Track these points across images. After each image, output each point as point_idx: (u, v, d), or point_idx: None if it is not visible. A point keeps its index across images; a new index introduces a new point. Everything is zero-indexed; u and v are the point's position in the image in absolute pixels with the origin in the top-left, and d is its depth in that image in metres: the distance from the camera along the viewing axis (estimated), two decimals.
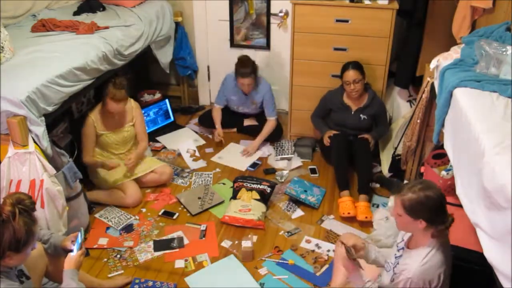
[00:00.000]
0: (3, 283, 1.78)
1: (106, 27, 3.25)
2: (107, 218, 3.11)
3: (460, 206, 1.99)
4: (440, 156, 2.78)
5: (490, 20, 2.79)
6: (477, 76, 2.21)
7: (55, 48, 2.83)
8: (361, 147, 3.41)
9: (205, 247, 2.89)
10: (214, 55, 4.38)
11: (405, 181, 3.30)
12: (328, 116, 3.65)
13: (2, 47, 2.57)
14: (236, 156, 3.82)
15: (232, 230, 3.03)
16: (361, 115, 3.49)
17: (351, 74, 3.35)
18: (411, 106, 3.71)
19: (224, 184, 3.49)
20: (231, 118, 4.06)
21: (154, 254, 2.84)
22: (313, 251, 2.86)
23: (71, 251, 2.07)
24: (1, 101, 2.33)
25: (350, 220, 3.10)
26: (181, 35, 4.19)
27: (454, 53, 2.59)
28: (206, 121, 4.12)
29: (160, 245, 2.90)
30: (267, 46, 4.21)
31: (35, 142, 2.45)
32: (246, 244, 2.80)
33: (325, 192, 3.39)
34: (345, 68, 3.41)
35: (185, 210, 3.21)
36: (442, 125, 2.37)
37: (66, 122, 3.22)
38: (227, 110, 4.06)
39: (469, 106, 2.02)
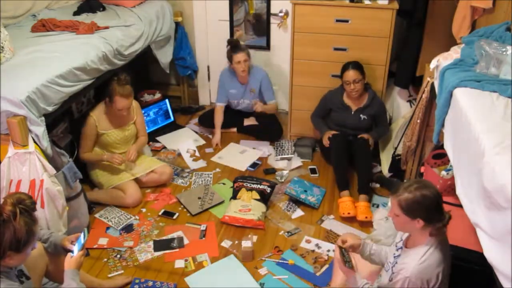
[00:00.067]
0: (3, 283, 1.78)
1: (106, 27, 3.25)
2: (107, 218, 3.11)
3: (460, 206, 1.99)
4: (440, 156, 2.78)
5: (490, 20, 2.79)
6: (477, 76, 2.21)
7: (55, 48, 2.83)
8: (361, 147, 3.41)
9: (205, 247, 2.89)
10: (214, 55, 4.38)
11: (405, 181, 3.30)
12: (328, 116, 3.65)
13: (2, 47, 2.57)
14: (236, 156, 3.82)
15: (232, 230, 3.03)
16: (361, 115, 3.49)
17: (351, 74, 3.35)
18: (411, 106, 3.71)
19: (224, 184, 3.49)
20: (231, 118, 4.06)
21: (154, 254, 2.84)
22: (313, 251, 2.86)
23: (71, 250, 2.07)
24: (1, 101, 2.33)
25: (350, 220, 3.10)
26: (181, 35, 4.19)
27: (454, 53, 2.59)
28: (206, 121, 4.13)
29: (160, 245, 2.90)
30: (267, 46, 4.21)
31: (35, 142, 2.45)
32: (246, 244, 2.80)
33: (325, 192, 3.39)
34: (345, 68, 3.41)
35: (185, 210, 3.21)
36: (442, 125, 2.37)
37: (66, 122, 3.22)
38: (227, 110, 4.06)
39: (469, 106, 2.01)
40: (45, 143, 2.48)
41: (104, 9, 3.68)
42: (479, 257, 1.89)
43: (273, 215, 3.17)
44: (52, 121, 2.75)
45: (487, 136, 1.73)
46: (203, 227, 3.04)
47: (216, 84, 4.19)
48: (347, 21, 3.47)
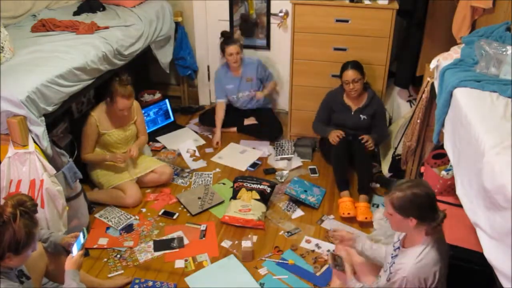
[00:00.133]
0: (3, 283, 1.78)
1: (106, 27, 3.25)
2: (107, 218, 3.11)
3: (460, 206, 1.99)
4: (440, 156, 2.78)
5: (490, 20, 2.79)
6: (477, 76, 2.20)
7: (55, 48, 2.83)
8: (361, 147, 3.40)
9: (205, 247, 2.89)
10: (214, 55, 4.38)
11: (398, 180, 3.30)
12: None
13: (2, 47, 2.57)
14: (236, 156, 3.82)
15: (232, 230, 3.03)
16: (361, 115, 3.49)
17: (350, 74, 3.35)
18: (411, 106, 3.71)
19: (224, 184, 3.49)
20: (232, 117, 4.07)
21: (154, 254, 2.84)
22: (313, 251, 2.86)
23: (70, 250, 2.07)
24: (1, 101, 2.33)
25: (350, 220, 3.10)
26: (181, 35, 4.19)
27: (454, 53, 2.58)
28: (207, 120, 4.13)
29: (160, 245, 2.90)
30: (267, 46, 4.21)
31: (35, 142, 2.45)
32: (246, 244, 2.80)
33: (325, 192, 3.39)
34: (344, 67, 3.41)
35: (185, 210, 3.21)
36: (442, 125, 2.37)
37: (66, 122, 3.22)
38: (228, 110, 4.06)
39: (469, 106, 2.01)
40: (45, 143, 2.48)
41: (104, 9, 3.68)
42: (479, 257, 1.89)
43: (273, 215, 3.17)
44: (52, 121, 2.75)
45: (487, 136, 1.73)
46: (203, 227, 3.04)
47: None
48: (347, 21, 3.47)
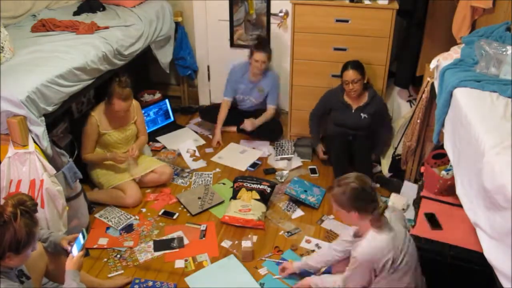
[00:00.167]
0: (3, 283, 1.79)
1: (106, 27, 3.25)
2: (107, 218, 3.11)
3: (460, 206, 1.99)
4: (440, 156, 2.78)
5: (490, 20, 2.79)
6: (477, 76, 2.21)
7: (55, 48, 2.83)
8: (361, 147, 3.41)
9: (205, 247, 2.89)
10: (214, 55, 4.38)
11: (405, 181, 3.30)
12: (328, 115, 3.65)
13: (2, 47, 2.57)
14: (236, 156, 3.82)
15: (232, 230, 3.03)
16: (361, 114, 3.49)
17: (350, 74, 3.35)
18: (411, 106, 3.71)
19: (224, 184, 3.49)
20: (232, 117, 4.06)
21: (154, 254, 2.84)
22: (313, 251, 2.86)
23: (69, 251, 2.07)
24: (1, 101, 2.33)
25: None
26: (181, 35, 4.19)
27: (454, 53, 2.59)
28: (208, 115, 4.14)
29: (160, 245, 2.90)
30: None
31: (35, 142, 2.45)
32: (246, 244, 2.80)
33: (325, 192, 3.38)
34: (344, 67, 3.41)
35: (185, 210, 3.21)
36: (442, 125, 2.37)
37: (66, 122, 3.22)
38: (229, 109, 4.05)
39: (469, 106, 2.02)
40: (45, 143, 2.48)
41: (104, 9, 3.68)
42: (479, 257, 1.90)
43: (273, 215, 3.17)
44: (52, 121, 2.75)
45: (487, 136, 1.73)
46: (203, 227, 3.04)
47: (216, 84, 4.20)
48: (347, 21, 3.47)
